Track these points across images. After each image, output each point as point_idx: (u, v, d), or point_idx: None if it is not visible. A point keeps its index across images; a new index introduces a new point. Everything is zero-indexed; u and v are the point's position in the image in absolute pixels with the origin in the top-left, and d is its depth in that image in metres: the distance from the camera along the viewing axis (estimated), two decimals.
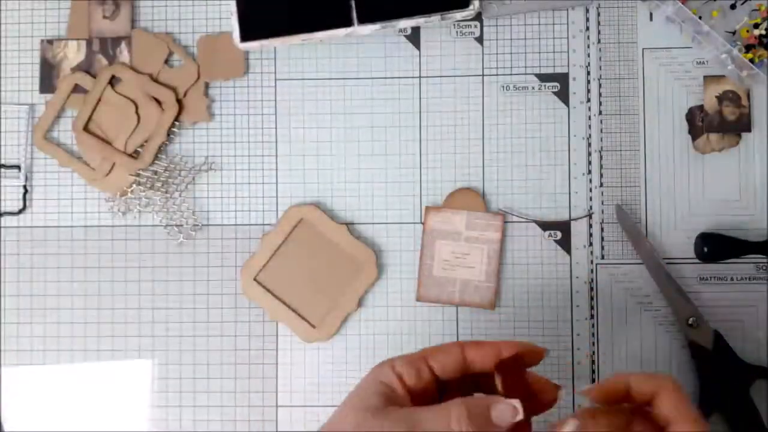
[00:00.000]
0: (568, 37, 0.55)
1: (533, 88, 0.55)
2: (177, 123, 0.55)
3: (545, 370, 0.53)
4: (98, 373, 0.55)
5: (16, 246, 0.56)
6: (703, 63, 0.54)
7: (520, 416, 0.35)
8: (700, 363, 0.52)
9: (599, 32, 0.55)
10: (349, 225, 0.54)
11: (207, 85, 0.56)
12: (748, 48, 0.52)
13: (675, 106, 0.54)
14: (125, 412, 0.55)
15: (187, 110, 0.55)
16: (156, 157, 0.55)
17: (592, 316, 0.54)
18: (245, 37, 0.52)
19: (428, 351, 0.39)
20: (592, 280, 0.54)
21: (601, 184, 0.54)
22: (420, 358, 0.38)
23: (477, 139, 0.55)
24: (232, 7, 0.52)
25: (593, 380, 0.53)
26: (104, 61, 0.56)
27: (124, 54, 0.56)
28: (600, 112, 0.54)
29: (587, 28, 0.55)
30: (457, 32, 0.55)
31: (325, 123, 0.55)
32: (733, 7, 0.53)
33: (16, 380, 0.55)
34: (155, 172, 0.55)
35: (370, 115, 0.55)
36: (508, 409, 0.35)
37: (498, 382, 0.37)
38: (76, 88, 0.56)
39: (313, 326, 0.54)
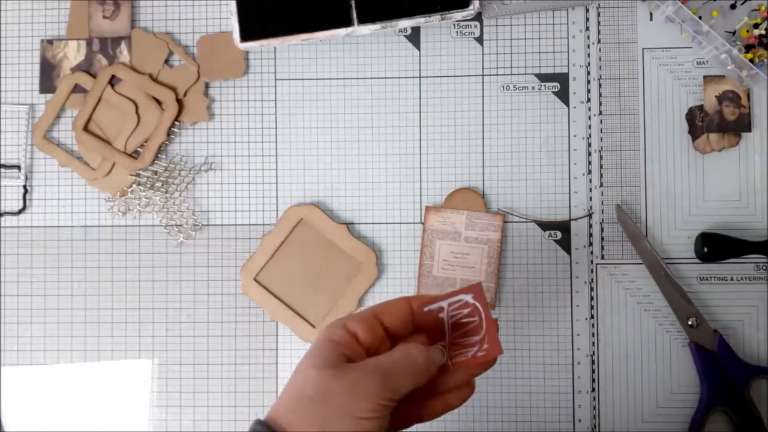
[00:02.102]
0: (568, 37, 0.55)
1: (533, 88, 0.55)
2: (177, 123, 0.55)
3: (546, 371, 0.53)
4: (98, 373, 0.55)
5: (16, 246, 0.56)
6: (703, 63, 0.54)
7: (446, 359, 0.39)
8: (700, 363, 0.52)
9: (599, 32, 0.55)
10: (349, 225, 0.54)
11: (207, 85, 0.56)
12: (748, 48, 0.52)
13: (675, 106, 0.54)
14: (125, 412, 0.55)
15: (187, 110, 0.55)
16: (156, 157, 0.55)
17: (592, 316, 0.54)
18: (245, 37, 0.52)
19: (377, 308, 0.39)
20: (592, 280, 0.54)
21: (601, 184, 0.54)
22: (371, 315, 0.39)
23: (477, 139, 0.55)
24: (232, 7, 0.52)
25: (593, 380, 0.53)
26: (104, 61, 0.56)
27: (124, 54, 0.56)
28: (600, 112, 0.54)
29: (587, 28, 0.55)
30: (457, 32, 0.55)
31: (325, 123, 0.55)
32: (733, 7, 0.53)
33: (16, 380, 0.55)
34: (155, 172, 0.55)
35: (370, 115, 0.55)
36: (438, 353, 0.39)
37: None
38: (76, 88, 0.56)
39: (313, 326, 0.54)
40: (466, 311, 0.40)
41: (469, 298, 0.40)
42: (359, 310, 0.40)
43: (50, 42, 0.56)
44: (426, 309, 0.40)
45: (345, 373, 0.35)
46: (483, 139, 0.55)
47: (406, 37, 0.55)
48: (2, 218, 0.56)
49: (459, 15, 0.52)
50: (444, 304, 0.40)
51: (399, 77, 0.55)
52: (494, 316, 0.54)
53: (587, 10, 0.55)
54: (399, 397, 0.36)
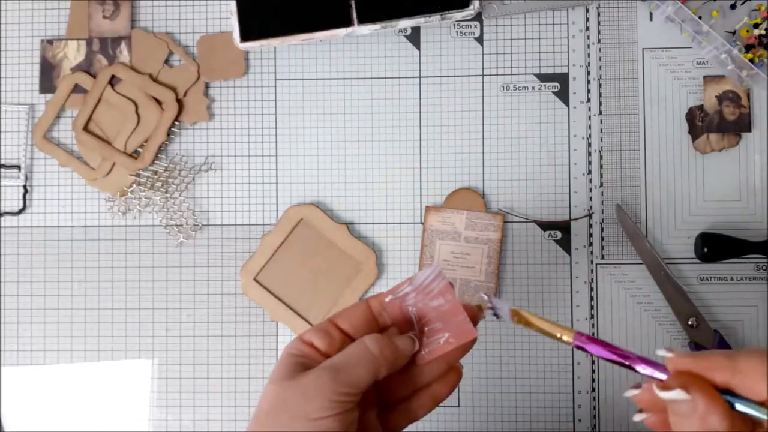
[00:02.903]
0: (568, 37, 0.55)
1: (533, 88, 0.55)
2: (177, 123, 0.56)
3: (546, 371, 0.53)
4: (98, 373, 0.55)
5: (16, 246, 0.56)
6: (703, 63, 0.54)
7: (417, 346, 0.38)
8: None
9: (599, 32, 0.55)
10: (349, 225, 0.54)
11: (207, 85, 0.56)
12: (748, 48, 0.52)
13: (675, 106, 0.54)
14: (125, 412, 0.55)
15: (187, 110, 0.55)
16: (156, 157, 0.55)
17: (592, 316, 0.54)
18: (245, 37, 0.52)
19: (335, 314, 0.39)
20: (592, 280, 0.54)
21: (601, 184, 0.54)
22: (327, 322, 0.38)
23: (477, 139, 0.55)
24: (232, 7, 0.52)
25: (593, 380, 0.53)
26: (104, 61, 0.56)
27: (124, 54, 0.56)
28: (600, 112, 0.54)
29: (587, 28, 0.55)
30: (457, 32, 0.55)
31: (325, 123, 0.55)
32: (733, 7, 0.53)
33: (16, 380, 0.55)
34: (155, 172, 0.55)
35: (370, 115, 0.55)
36: (408, 340, 0.38)
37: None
38: (76, 88, 0.56)
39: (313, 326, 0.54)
40: (433, 294, 0.39)
41: (431, 275, 0.38)
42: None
43: (50, 42, 0.56)
44: (388, 299, 0.39)
45: (298, 379, 0.35)
46: (483, 139, 0.55)
47: (406, 37, 0.55)
48: (2, 218, 0.56)
49: (459, 15, 0.52)
50: (408, 289, 0.39)
51: (399, 77, 0.55)
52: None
53: (587, 10, 0.55)
54: (358, 391, 0.35)
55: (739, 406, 0.30)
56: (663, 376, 0.32)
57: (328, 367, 0.35)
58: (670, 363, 0.31)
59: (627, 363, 0.33)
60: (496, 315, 0.38)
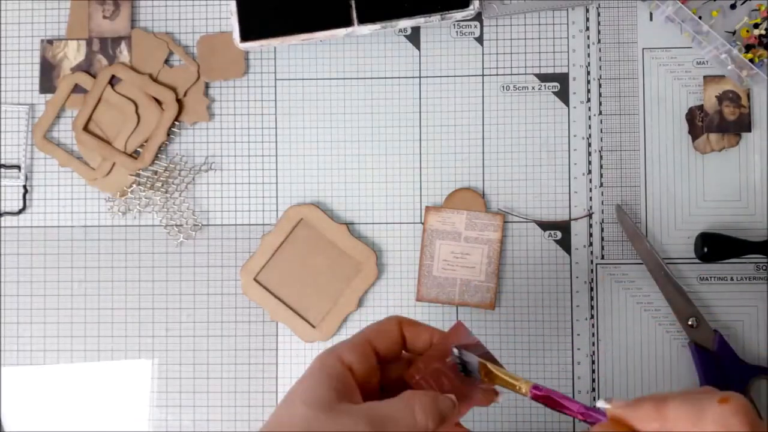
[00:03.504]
0: (568, 37, 0.55)
1: (533, 88, 0.55)
2: (177, 123, 0.56)
3: (546, 371, 0.53)
4: (98, 373, 0.55)
5: (16, 246, 0.56)
6: (703, 63, 0.54)
7: (457, 410, 0.36)
8: (700, 363, 0.52)
9: (599, 32, 0.55)
10: (349, 225, 0.54)
11: (207, 85, 0.56)
12: (748, 48, 0.52)
13: (675, 106, 0.54)
14: (125, 412, 0.55)
15: (187, 110, 0.55)
16: (156, 157, 0.55)
17: (592, 316, 0.54)
18: (245, 37, 0.52)
19: (370, 334, 0.37)
20: (592, 280, 0.54)
21: (601, 184, 0.54)
22: (365, 343, 0.36)
23: (477, 139, 0.55)
24: (232, 7, 0.52)
25: (593, 380, 0.53)
26: (104, 61, 0.56)
27: (124, 54, 0.56)
28: (600, 112, 0.54)
29: (587, 28, 0.55)
30: (457, 32, 0.55)
31: (325, 123, 0.55)
32: (733, 7, 0.53)
33: (16, 380, 0.55)
34: (155, 172, 0.55)
35: (370, 115, 0.55)
36: (449, 403, 0.36)
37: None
38: (76, 88, 0.56)
39: (313, 326, 0.54)
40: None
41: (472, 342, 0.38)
42: (352, 335, 0.38)
43: (50, 42, 0.56)
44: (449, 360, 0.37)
45: (335, 417, 0.33)
46: (483, 139, 0.55)
47: (406, 37, 0.55)
48: (2, 218, 0.56)
49: (459, 15, 0.52)
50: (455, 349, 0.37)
51: (399, 77, 0.55)
52: (495, 315, 0.54)
53: (587, 10, 0.55)
54: None
55: None
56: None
57: (371, 420, 0.33)
58: (609, 413, 0.32)
59: (569, 412, 0.34)
60: (467, 371, 0.37)
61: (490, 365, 0.37)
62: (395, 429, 0.33)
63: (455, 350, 0.37)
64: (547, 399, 0.34)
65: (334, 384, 0.34)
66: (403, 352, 0.39)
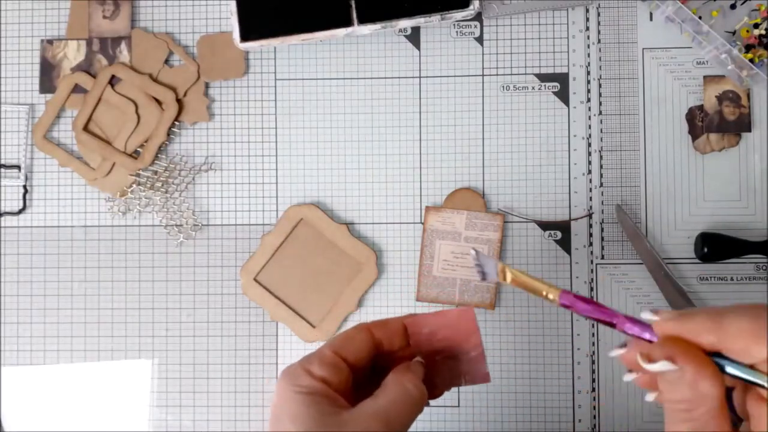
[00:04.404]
0: (568, 37, 0.55)
1: (533, 88, 0.55)
2: (177, 123, 0.56)
3: (546, 371, 0.53)
4: (98, 373, 0.55)
5: (16, 246, 0.56)
6: (703, 63, 0.54)
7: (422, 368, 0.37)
8: None
9: (599, 32, 0.55)
10: (349, 225, 0.54)
11: (207, 85, 0.56)
12: (748, 48, 0.52)
13: (675, 106, 0.54)
14: (125, 412, 0.55)
15: (187, 110, 0.55)
16: (156, 157, 0.55)
17: None
18: (245, 37, 0.52)
19: (337, 344, 0.36)
20: (592, 280, 0.54)
21: (601, 184, 0.54)
22: (332, 355, 0.36)
23: (477, 139, 0.55)
24: (232, 7, 0.52)
25: (593, 380, 0.53)
26: (104, 61, 0.56)
27: (124, 54, 0.56)
28: (600, 112, 0.54)
29: (587, 28, 0.55)
30: (457, 32, 0.55)
31: (325, 123, 0.55)
32: (733, 7, 0.53)
33: (16, 380, 0.55)
34: (155, 172, 0.55)
35: (370, 115, 0.55)
36: (417, 365, 0.37)
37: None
38: (76, 88, 0.56)
39: (313, 326, 0.54)
40: (459, 331, 0.38)
41: (462, 314, 0.38)
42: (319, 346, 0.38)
43: (50, 42, 0.56)
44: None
45: (341, 427, 0.32)
46: (483, 139, 0.55)
47: (406, 37, 0.55)
48: (2, 218, 0.56)
49: (459, 15, 0.52)
50: (432, 320, 0.38)
51: (399, 77, 0.55)
52: (495, 315, 0.54)
53: (587, 10, 0.55)
54: None
55: (730, 369, 0.29)
56: (651, 338, 0.31)
57: (378, 415, 0.33)
58: (657, 327, 0.30)
59: (614, 322, 0.32)
60: (483, 273, 0.36)
61: (512, 269, 0.35)
62: (404, 413, 0.34)
63: (473, 251, 0.37)
64: (582, 305, 0.33)
65: (314, 399, 0.34)
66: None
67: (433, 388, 0.38)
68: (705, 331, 0.29)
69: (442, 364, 0.39)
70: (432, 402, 0.39)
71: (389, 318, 0.39)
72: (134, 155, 0.55)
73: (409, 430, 0.39)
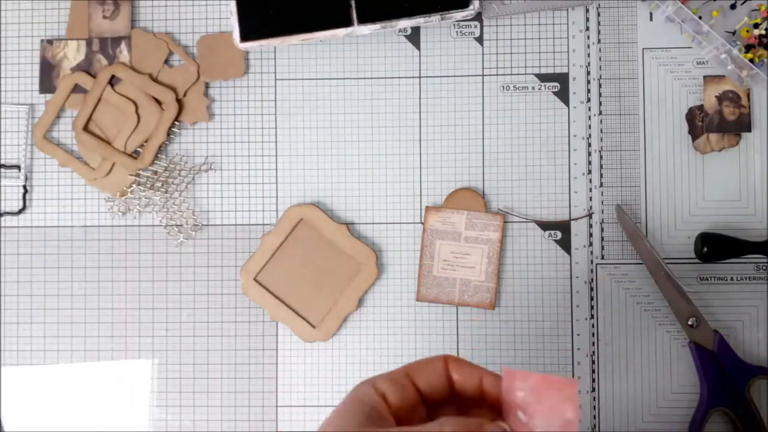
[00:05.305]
0: (568, 37, 0.55)
1: (533, 88, 0.55)
2: (177, 123, 0.56)
3: (546, 371, 0.53)
4: (98, 373, 0.55)
5: (16, 246, 0.56)
6: (703, 63, 0.54)
7: None
8: (700, 363, 0.52)
9: (599, 32, 0.55)
10: (349, 225, 0.54)
11: (207, 85, 0.56)
12: (748, 48, 0.52)
13: (675, 106, 0.54)
14: (125, 412, 0.55)
15: (187, 110, 0.55)
16: (156, 157, 0.55)
17: (592, 316, 0.54)
18: (245, 37, 0.52)
19: (411, 367, 0.36)
20: (592, 280, 0.54)
21: (601, 184, 0.54)
22: (403, 375, 0.35)
23: (477, 139, 0.55)
24: (232, 7, 0.52)
25: (593, 380, 0.53)
26: (104, 61, 0.56)
27: (124, 54, 0.56)
28: (600, 112, 0.54)
29: (587, 28, 0.55)
30: (457, 32, 0.55)
31: (325, 123, 0.55)
32: (733, 7, 0.53)
33: (16, 380, 0.55)
34: (155, 172, 0.55)
35: (370, 115, 0.55)
36: (497, 427, 0.33)
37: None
38: (76, 88, 0.56)
39: (313, 326, 0.54)
40: (550, 403, 0.32)
41: (564, 384, 0.32)
42: (391, 369, 0.36)
43: (50, 42, 0.56)
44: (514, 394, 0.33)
45: None
46: (483, 139, 0.55)
47: (406, 37, 0.55)
48: (2, 218, 0.56)
49: (459, 15, 0.52)
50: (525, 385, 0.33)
51: (399, 77, 0.55)
52: (495, 315, 0.54)
53: (587, 10, 0.55)
54: None
55: None
56: None
57: None
58: None
59: None
60: None
61: None
62: None
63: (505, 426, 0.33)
64: None
65: (365, 409, 0.33)
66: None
67: None
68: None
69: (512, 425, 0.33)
70: None
71: (467, 361, 0.36)
72: (134, 155, 0.55)
73: None
